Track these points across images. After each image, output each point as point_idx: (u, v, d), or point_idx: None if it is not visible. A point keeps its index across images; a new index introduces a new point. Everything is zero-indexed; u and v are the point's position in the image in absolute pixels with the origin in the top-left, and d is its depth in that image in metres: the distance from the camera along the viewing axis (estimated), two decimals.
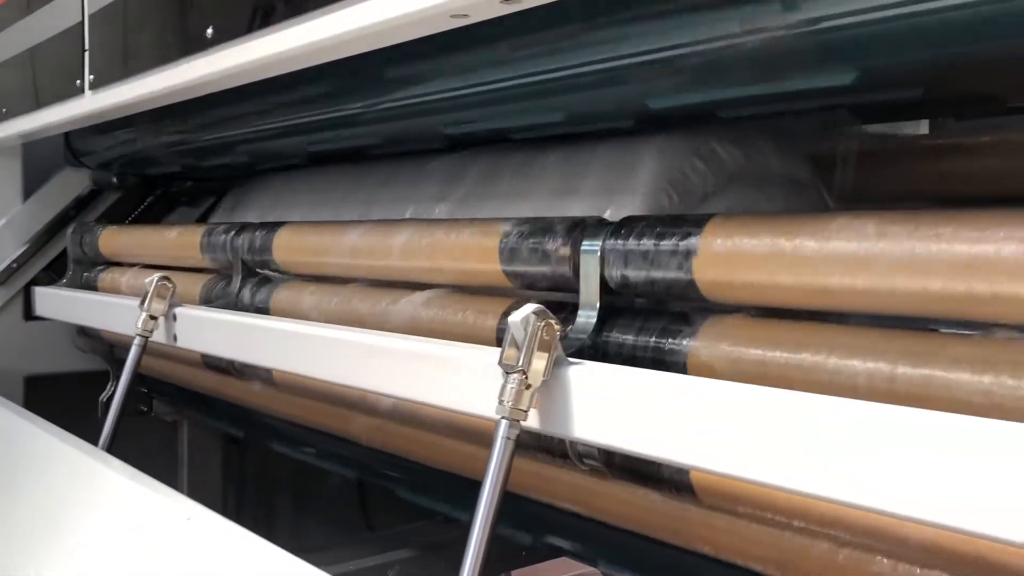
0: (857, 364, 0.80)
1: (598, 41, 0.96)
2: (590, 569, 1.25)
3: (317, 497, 2.78)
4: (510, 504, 1.16)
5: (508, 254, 1.11)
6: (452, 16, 0.84)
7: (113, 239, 2.18)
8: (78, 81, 1.61)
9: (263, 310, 1.58)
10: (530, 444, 1.06)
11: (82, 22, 1.61)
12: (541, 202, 1.23)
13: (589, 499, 1.12)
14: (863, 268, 0.79)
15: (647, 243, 0.96)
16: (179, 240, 1.89)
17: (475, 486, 0.90)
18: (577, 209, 1.17)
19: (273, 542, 1.02)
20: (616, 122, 1.17)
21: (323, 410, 1.55)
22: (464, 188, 1.37)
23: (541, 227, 1.09)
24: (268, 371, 1.56)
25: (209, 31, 1.17)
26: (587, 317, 1.01)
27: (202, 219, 2.58)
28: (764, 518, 0.91)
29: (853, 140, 1.29)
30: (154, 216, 2.57)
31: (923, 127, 1.46)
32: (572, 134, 1.27)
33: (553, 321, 0.89)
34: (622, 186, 1.12)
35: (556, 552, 1.29)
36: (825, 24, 0.81)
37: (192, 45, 1.22)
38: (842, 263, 0.81)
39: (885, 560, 0.82)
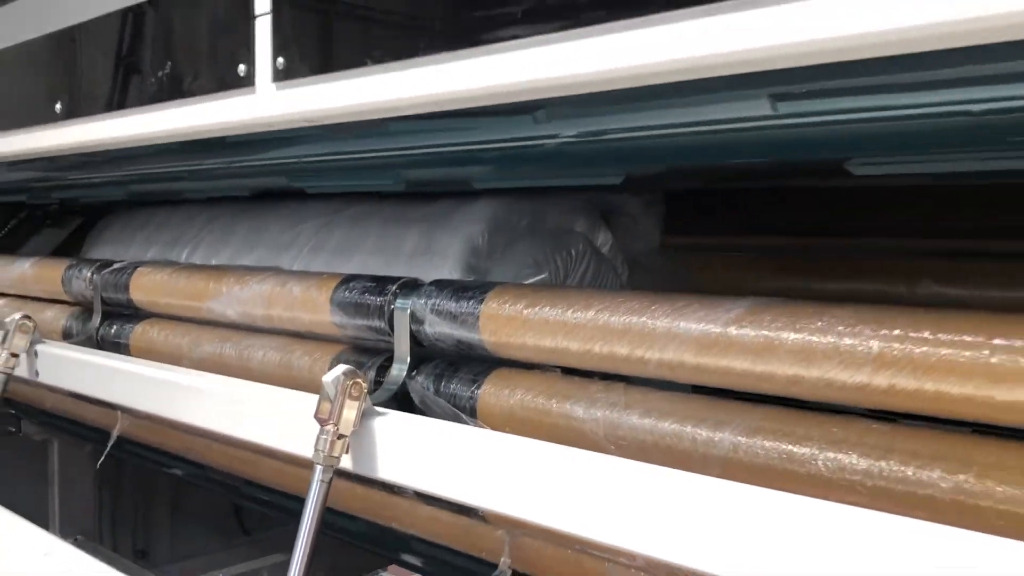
0: (599, 415, 0.98)
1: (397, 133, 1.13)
2: None
3: (193, 503, 2.85)
4: (354, 522, 1.31)
5: (336, 308, 1.26)
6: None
7: None
8: None
9: (123, 346, 1.68)
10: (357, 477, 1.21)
11: None
12: (368, 257, 1.38)
13: (410, 520, 1.28)
14: (615, 337, 0.97)
15: (447, 304, 1.13)
16: (40, 274, 1.96)
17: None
18: (397, 268, 1.32)
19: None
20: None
21: (183, 439, 1.67)
22: (303, 237, 1.51)
23: (364, 285, 1.24)
24: None
25: (57, 106, 1.27)
26: (399, 369, 1.18)
27: (69, 241, 2.62)
28: (551, 539, 1.08)
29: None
30: (20, 237, 2.59)
31: None
32: (399, 194, 1.42)
33: (361, 380, 1.05)
34: (434, 249, 1.29)
35: (388, 562, 1.46)
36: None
37: (39, 117, 1.32)
38: (598, 333, 0.99)
39: None
